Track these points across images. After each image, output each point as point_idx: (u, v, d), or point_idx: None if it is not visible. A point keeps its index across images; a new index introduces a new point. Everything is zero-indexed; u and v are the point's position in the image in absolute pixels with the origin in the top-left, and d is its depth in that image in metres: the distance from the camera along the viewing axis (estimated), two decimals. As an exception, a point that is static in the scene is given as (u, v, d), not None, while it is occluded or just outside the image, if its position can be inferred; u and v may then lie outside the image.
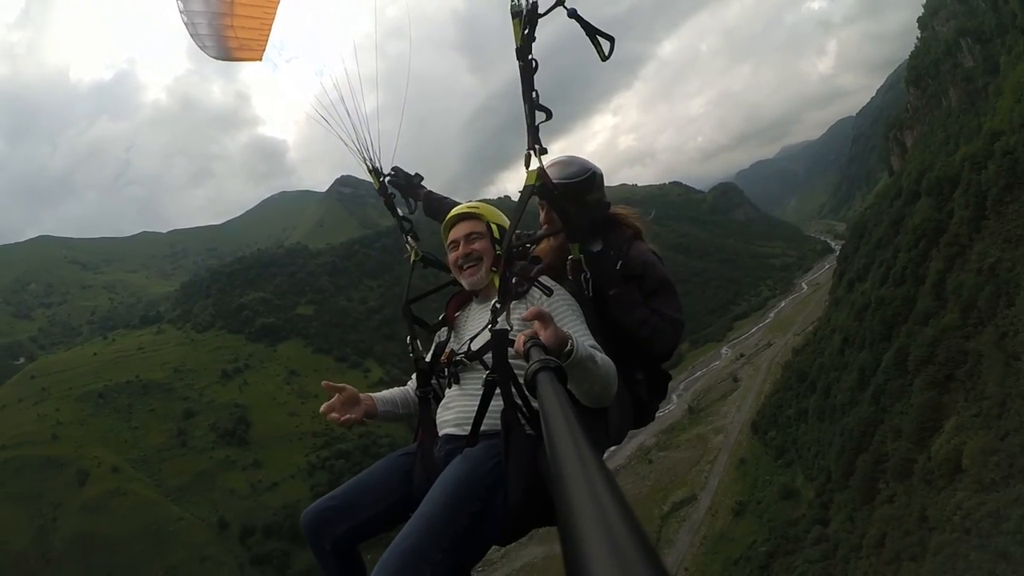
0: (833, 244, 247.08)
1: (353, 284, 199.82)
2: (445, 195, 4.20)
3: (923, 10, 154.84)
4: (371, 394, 3.44)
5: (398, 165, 4.15)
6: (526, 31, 2.92)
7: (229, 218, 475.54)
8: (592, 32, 3.03)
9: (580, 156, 3.71)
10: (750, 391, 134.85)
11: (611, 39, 3.04)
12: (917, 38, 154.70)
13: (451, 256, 3.41)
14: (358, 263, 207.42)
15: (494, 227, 3.37)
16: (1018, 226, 59.28)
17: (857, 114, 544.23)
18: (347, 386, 3.35)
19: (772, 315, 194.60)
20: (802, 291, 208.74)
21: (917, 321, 70.25)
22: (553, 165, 3.41)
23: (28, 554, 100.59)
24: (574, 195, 3.44)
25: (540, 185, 3.12)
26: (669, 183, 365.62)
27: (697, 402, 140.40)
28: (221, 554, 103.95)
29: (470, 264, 3.32)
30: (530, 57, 2.95)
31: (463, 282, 3.38)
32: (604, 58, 3.07)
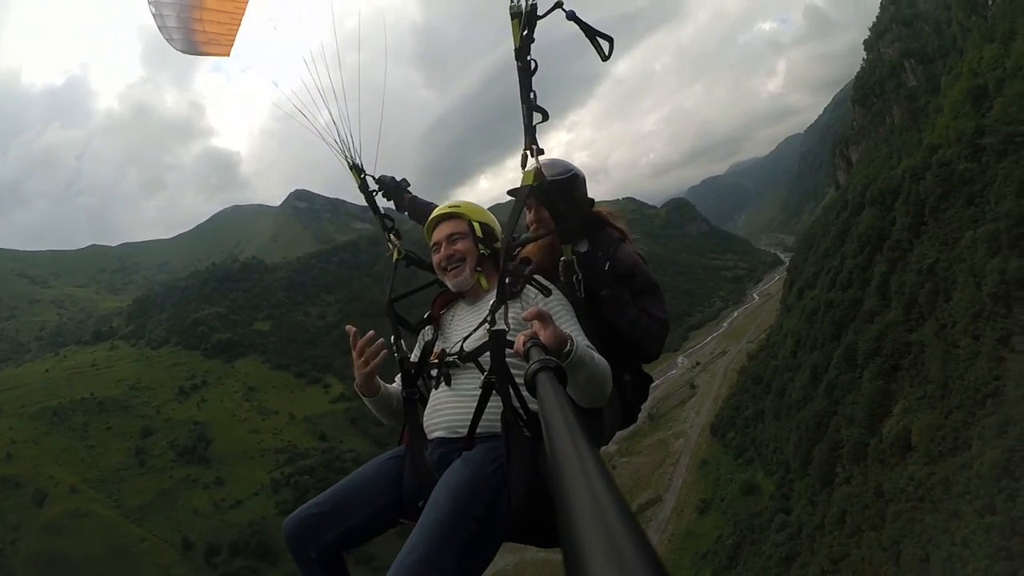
0: (783, 256, 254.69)
1: (310, 299, 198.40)
2: (427, 201, 4.18)
3: (869, 33, 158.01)
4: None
5: (384, 173, 4.12)
6: (524, 32, 2.99)
7: (180, 231, 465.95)
8: (591, 33, 3.12)
9: (559, 158, 3.79)
10: (707, 396, 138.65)
11: (610, 39, 3.12)
12: (863, 59, 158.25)
13: (435, 258, 3.41)
14: (315, 277, 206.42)
15: (476, 225, 3.37)
16: (953, 229, 64.39)
17: (805, 131, 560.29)
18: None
19: (726, 324, 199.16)
20: (754, 301, 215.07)
21: (864, 319, 75.20)
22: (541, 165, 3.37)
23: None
24: (563, 193, 3.52)
25: (538, 185, 3.18)
26: (623, 198, 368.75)
27: (656, 409, 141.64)
28: (187, 574, 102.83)
29: (453, 265, 3.32)
30: (529, 58, 3.01)
31: (448, 283, 3.38)
32: (605, 58, 3.15)
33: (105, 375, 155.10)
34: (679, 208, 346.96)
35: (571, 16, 3.03)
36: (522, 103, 3.01)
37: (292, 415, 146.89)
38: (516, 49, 2.96)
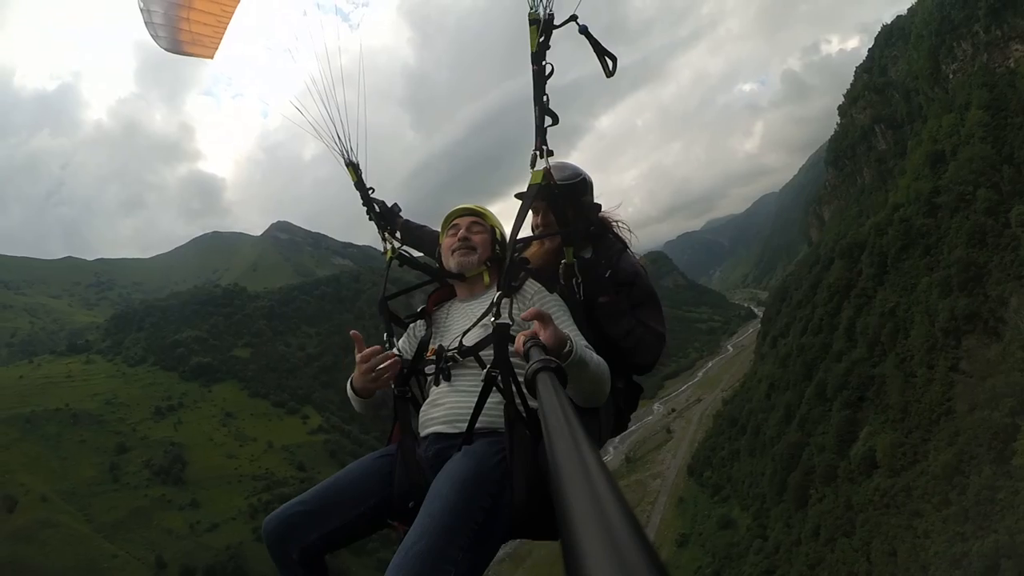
0: (756, 310, 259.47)
1: (291, 330, 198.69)
2: (421, 224, 4.19)
3: (843, 99, 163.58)
4: None
5: (376, 196, 4.08)
6: (542, 39, 3.11)
7: (156, 253, 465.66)
8: (600, 51, 3.27)
9: (570, 162, 3.86)
10: (683, 440, 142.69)
11: (614, 58, 3.29)
12: (837, 123, 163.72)
13: (447, 241, 3.47)
14: (296, 309, 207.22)
15: (497, 231, 3.49)
16: (911, 276, 73.50)
17: (780, 191, 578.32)
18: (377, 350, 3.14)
19: (700, 374, 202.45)
20: (728, 352, 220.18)
21: (833, 359, 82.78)
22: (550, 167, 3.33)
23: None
24: (571, 196, 3.57)
25: (546, 184, 3.23)
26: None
27: (633, 452, 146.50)
28: None
29: (466, 248, 3.38)
30: (544, 62, 3.12)
31: (453, 264, 3.41)
32: (609, 74, 3.31)
33: (81, 387, 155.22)
34: (656, 261, 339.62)
35: (583, 30, 3.24)
36: (535, 104, 3.15)
37: (270, 443, 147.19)
38: (532, 53, 3.12)
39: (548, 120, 3.17)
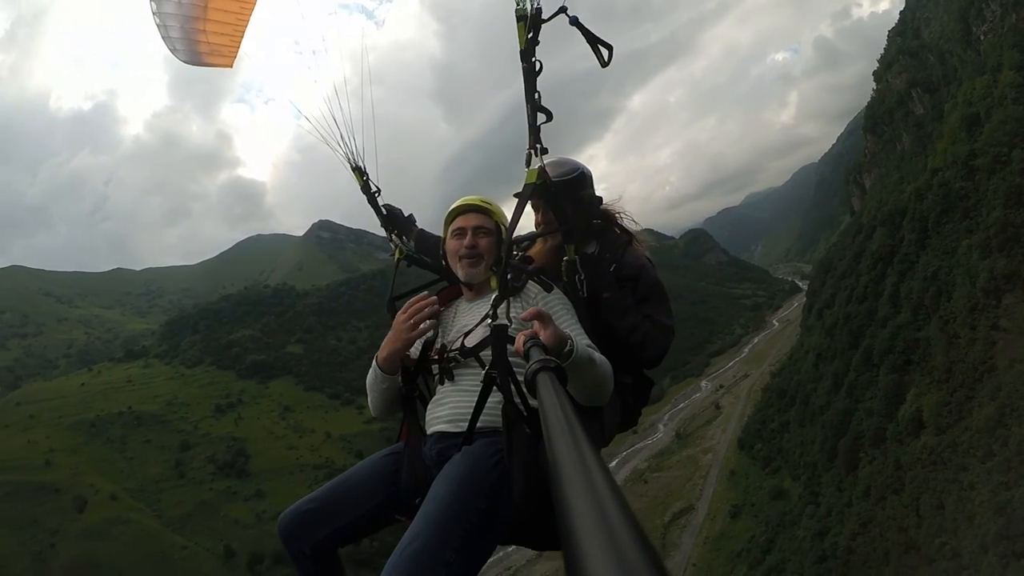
0: (800, 284, 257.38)
1: (341, 324, 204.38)
2: (435, 234, 4.01)
3: (878, 64, 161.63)
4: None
5: (390, 205, 4.11)
6: (530, 35, 3.09)
7: (202, 259, 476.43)
8: (593, 40, 3.23)
9: (569, 157, 3.87)
10: (732, 415, 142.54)
11: (610, 47, 3.25)
12: (873, 89, 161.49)
13: (453, 244, 3.43)
14: (345, 304, 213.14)
15: (502, 228, 3.44)
16: (952, 239, 75.04)
17: (819, 161, 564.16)
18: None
19: (747, 350, 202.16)
20: (774, 327, 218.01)
21: (878, 326, 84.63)
22: (547, 164, 3.36)
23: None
24: (570, 192, 3.57)
25: (541, 183, 3.24)
26: (642, 230, 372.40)
27: (683, 428, 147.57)
28: None
29: (473, 257, 3.36)
30: (533, 59, 3.11)
31: (459, 272, 3.42)
32: (604, 64, 3.26)
33: (142, 390, 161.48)
34: (697, 239, 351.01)
35: (574, 21, 3.19)
36: (527, 103, 3.16)
37: (328, 434, 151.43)
38: (521, 51, 3.11)
39: (542, 117, 3.22)
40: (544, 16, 3.10)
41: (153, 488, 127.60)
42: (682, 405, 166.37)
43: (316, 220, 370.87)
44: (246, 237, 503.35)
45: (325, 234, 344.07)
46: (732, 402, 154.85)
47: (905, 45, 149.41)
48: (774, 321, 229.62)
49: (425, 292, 3.49)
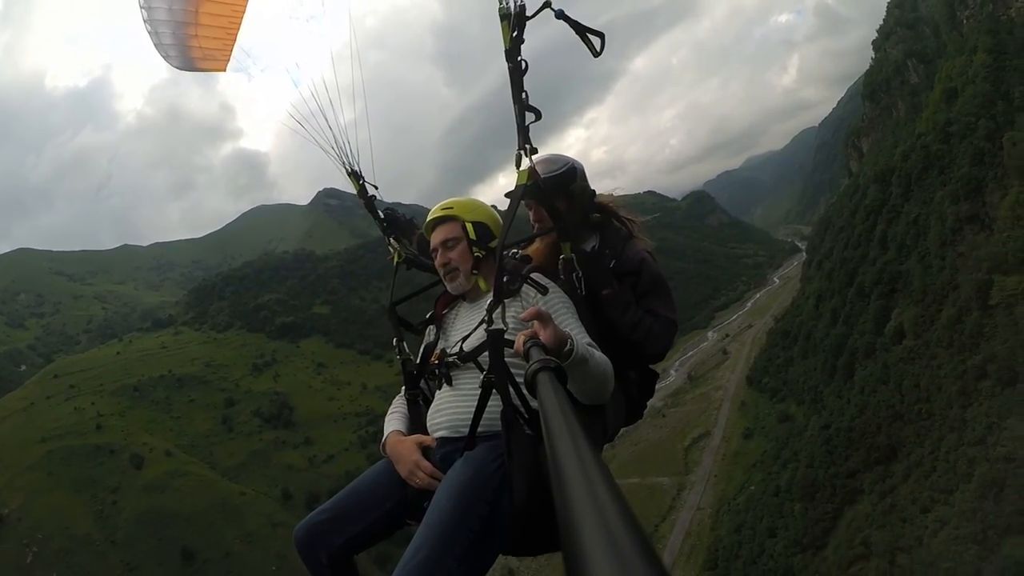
0: (800, 244, 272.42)
1: (363, 285, 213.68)
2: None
3: (877, 34, 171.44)
4: (397, 429, 3.43)
5: (392, 209, 4.27)
6: (515, 33, 3.14)
7: (207, 231, 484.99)
8: (582, 30, 3.28)
9: (560, 153, 3.90)
10: (740, 359, 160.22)
11: (601, 35, 3.29)
12: (872, 57, 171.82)
13: (436, 262, 3.58)
14: (365, 266, 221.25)
15: (469, 227, 3.48)
16: (930, 192, 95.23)
17: (820, 124, 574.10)
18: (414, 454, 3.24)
19: (750, 304, 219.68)
20: (775, 284, 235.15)
21: (869, 264, 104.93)
22: (536, 163, 3.45)
23: (93, 536, 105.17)
24: (560, 188, 3.65)
25: (532, 184, 3.33)
26: (644, 192, 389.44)
27: (694, 371, 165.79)
28: (292, 520, 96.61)
29: (449, 272, 3.48)
30: (519, 59, 3.17)
31: (448, 287, 3.57)
32: (596, 54, 3.32)
33: (178, 355, 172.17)
34: (699, 200, 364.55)
35: (560, 15, 3.23)
36: (514, 103, 3.22)
37: (364, 385, 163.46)
38: (506, 50, 3.16)
39: (530, 117, 3.28)
40: (528, 13, 3.19)
41: (204, 443, 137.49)
42: (691, 353, 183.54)
43: (320, 189, 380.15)
44: (251, 207, 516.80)
45: (333, 201, 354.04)
46: (738, 348, 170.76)
47: (903, 17, 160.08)
48: (775, 278, 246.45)
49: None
